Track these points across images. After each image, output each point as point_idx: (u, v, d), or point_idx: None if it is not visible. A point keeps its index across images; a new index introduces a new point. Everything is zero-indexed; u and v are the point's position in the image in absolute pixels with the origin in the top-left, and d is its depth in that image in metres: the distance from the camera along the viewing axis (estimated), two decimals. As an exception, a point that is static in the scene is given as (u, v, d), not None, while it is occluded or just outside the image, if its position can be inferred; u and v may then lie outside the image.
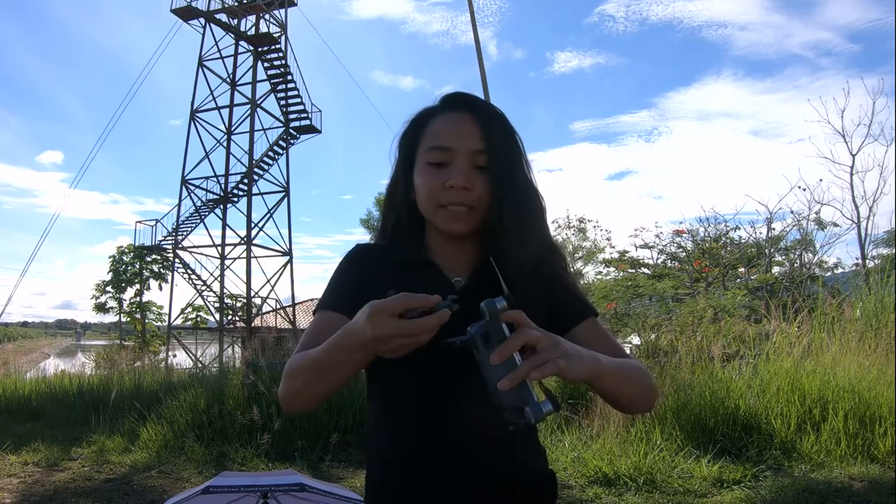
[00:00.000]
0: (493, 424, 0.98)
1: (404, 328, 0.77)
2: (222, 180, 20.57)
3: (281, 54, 20.35)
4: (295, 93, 20.72)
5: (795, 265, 9.11)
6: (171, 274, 22.15)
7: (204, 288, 20.23)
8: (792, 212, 9.81)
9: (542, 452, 1.10)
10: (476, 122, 1.02)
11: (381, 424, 1.07)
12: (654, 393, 1.03)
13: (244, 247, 20.47)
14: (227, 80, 21.03)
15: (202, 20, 20.54)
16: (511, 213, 1.00)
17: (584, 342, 1.02)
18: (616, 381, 0.95)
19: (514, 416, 0.76)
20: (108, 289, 27.71)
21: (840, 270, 9.09)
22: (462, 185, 0.99)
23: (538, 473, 1.06)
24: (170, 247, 20.52)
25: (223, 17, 20.68)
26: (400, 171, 1.10)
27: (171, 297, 22.30)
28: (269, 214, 21.51)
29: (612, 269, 9.55)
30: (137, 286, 27.28)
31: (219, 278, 20.35)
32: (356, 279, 1.05)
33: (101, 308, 28.01)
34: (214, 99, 20.87)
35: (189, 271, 20.03)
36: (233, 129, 21.05)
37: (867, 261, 9.33)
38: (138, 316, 26.82)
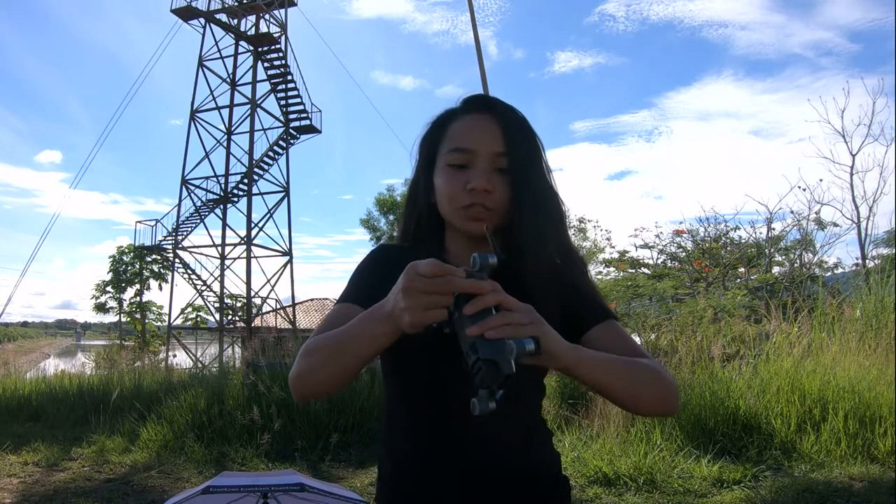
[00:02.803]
0: (507, 425, 0.98)
1: (433, 284, 0.76)
2: (222, 180, 20.56)
3: (281, 54, 20.35)
4: (295, 93, 20.72)
5: (795, 265, 9.11)
6: (171, 274, 22.16)
7: (204, 288, 20.22)
8: (792, 212, 9.86)
9: (556, 457, 1.10)
10: (497, 125, 1.02)
11: (394, 423, 1.07)
12: (666, 392, 0.95)
13: (244, 247, 20.46)
14: (227, 80, 21.02)
15: (202, 20, 20.52)
16: (530, 216, 0.99)
17: (600, 344, 1.01)
18: (605, 372, 0.90)
19: (487, 373, 0.71)
20: (108, 289, 27.72)
21: (840, 270, 9.11)
22: (483, 188, 0.98)
23: (550, 476, 1.06)
24: (170, 247, 20.51)
25: (223, 17, 20.66)
26: (420, 173, 1.10)
27: (171, 297, 22.34)
28: (269, 214, 21.54)
29: (612, 269, 9.55)
30: (137, 286, 27.29)
31: (219, 278, 20.35)
32: (379, 277, 1.04)
33: (101, 308, 28.01)
34: (214, 99, 20.88)
35: (189, 271, 20.03)
36: (233, 129, 21.05)
37: (867, 261, 9.34)
38: (138, 316, 26.81)
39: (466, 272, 0.78)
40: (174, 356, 17.43)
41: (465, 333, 0.76)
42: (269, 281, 21.54)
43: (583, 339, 1.03)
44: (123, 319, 27.94)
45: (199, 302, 21.67)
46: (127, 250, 27.02)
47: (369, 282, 1.05)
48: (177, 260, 20.42)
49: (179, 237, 20.44)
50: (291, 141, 21.25)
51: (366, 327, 0.85)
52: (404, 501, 1.03)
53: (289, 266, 21.88)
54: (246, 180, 20.39)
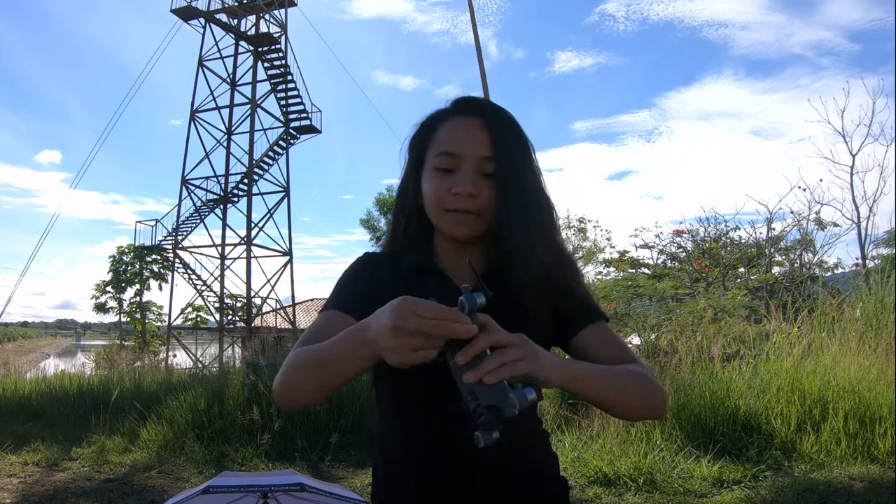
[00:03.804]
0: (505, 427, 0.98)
1: (428, 326, 0.73)
2: (222, 180, 20.57)
3: (281, 54, 20.36)
4: (295, 93, 20.73)
5: (795, 265, 9.10)
6: (171, 274, 22.19)
7: (204, 288, 20.23)
8: (792, 212, 9.86)
9: (554, 457, 1.10)
10: (485, 128, 1.01)
11: (387, 423, 1.06)
12: (656, 399, 0.98)
13: (244, 247, 20.46)
14: (227, 80, 21.03)
15: (202, 20, 20.53)
16: (518, 220, 0.99)
17: (589, 346, 1.02)
18: (599, 385, 0.91)
19: (490, 417, 0.71)
20: (108, 289, 27.78)
21: (840, 270, 9.10)
22: (468, 192, 0.98)
23: (548, 476, 1.06)
24: (170, 247, 20.52)
25: (223, 17, 20.67)
26: (410, 174, 1.09)
27: (171, 297, 22.43)
28: (269, 214, 21.55)
29: (612, 269, 9.55)
30: (137, 286, 27.33)
31: (219, 278, 20.35)
32: (365, 285, 1.04)
33: (101, 308, 28.06)
34: (214, 99, 20.90)
35: (189, 271, 20.03)
36: (233, 129, 21.06)
37: (867, 261, 9.34)
38: (138, 316, 26.85)
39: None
40: (174, 356, 17.42)
41: (462, 380, 0.75)
42: (269, 281, 21.59)
43: (573, 342, 1.04)
44: (123, 319, 27.99)
45: (199, 302, 21.71)
46: (127, 250, 27.08)
47: (355, 289, 1.04)
48: (177, 260, 20.43)
49: (179, 237, 20.44)
50: (291, 141, 21.26)
51: (347, 349, 0.83)
52: (399, 502, 1.02)
53: (289, 266, 21.91)
54: (246, 180, 20.39)
